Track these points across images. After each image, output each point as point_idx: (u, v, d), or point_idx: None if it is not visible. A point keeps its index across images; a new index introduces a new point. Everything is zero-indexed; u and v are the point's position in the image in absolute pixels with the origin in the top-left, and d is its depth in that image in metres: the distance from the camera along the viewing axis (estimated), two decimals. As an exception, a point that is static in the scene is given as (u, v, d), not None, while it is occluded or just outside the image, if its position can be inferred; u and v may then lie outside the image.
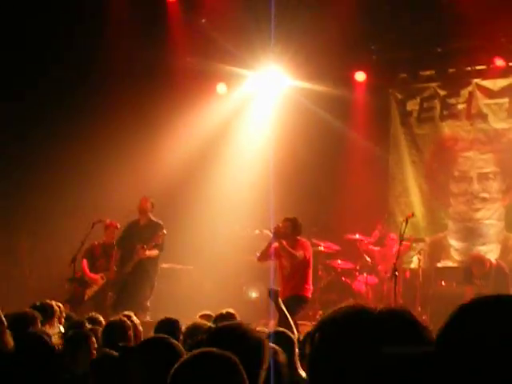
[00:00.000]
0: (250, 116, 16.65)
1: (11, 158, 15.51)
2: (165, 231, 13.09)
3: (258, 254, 12.55)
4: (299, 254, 11.61)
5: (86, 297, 13.14)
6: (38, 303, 8.33)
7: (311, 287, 12.02)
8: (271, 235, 11.99)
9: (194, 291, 15.91)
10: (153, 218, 13.36)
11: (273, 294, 7.61)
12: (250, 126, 16.69)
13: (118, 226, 13.49)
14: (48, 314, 8.03)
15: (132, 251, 12.97)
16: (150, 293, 12.89)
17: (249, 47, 15.77)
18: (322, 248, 14.50)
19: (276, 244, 11.90)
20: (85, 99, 15.54)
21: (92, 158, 15.79)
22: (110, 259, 13.29)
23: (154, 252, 12.98)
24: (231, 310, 7.58)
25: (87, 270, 13.24)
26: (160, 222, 13.26)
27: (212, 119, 16.85)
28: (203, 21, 15.94)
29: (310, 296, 12.07)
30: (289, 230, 11.72)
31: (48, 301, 8.48)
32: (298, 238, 11.90)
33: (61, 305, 8.86)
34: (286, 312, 7.07)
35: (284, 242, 11.64)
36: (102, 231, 13.57)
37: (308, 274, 11.88)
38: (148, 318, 12.13)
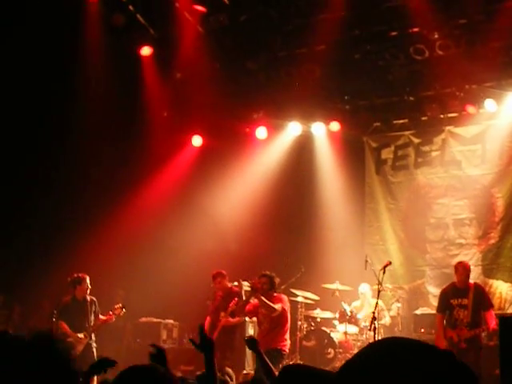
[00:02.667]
0: (227, 168, 16.69)
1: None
2: (236, 299, 13.06)
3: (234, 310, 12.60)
4: (277, 306, 11.63)
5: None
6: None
7: (288, 341, 12.02)
8: (249, 289, 12.01)
9: (173, 345, 15.83)
10: (231, 286, 13.31)
11: (251, 343, 7.53)
12: (227, 179, 16.74)
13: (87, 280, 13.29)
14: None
15: (217, 318, 13.02)
16: (229, 353, 12.84)
17: (223, 100, 15.90)
18: (300, 298, 14.49)
19: (254, 301, 11.92)
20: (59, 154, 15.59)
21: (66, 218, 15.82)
22: (87, 315, 13.16)
23: (237, 319, 12.93)
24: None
25: (71, 332, 13.05)
26: (236, 289, 13.22)
27: (189, 171, 16.91)
28: (178, 75, 16.07)
29: (287, 351, 12.07)
30: (266, 286, 11.74)
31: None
32: (275, 294, 11.92)
33: None
34: (267, 360, 7.02)
35: (263, 297, 11.64)
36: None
37: (285, 328, 11.90)
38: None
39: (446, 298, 12.20)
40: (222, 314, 12.86)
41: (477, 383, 1.60)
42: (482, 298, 12.02)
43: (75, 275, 13.16)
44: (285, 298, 12.11)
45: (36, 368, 2.47)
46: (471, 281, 12.24)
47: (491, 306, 12.15)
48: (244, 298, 12.75)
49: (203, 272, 14.91)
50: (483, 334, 12.41)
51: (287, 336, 11.98)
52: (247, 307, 12.13)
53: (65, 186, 15.97)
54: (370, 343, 1.67)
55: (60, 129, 15.36)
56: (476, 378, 1.60)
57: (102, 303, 13.48)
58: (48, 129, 15.44)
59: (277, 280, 11.95)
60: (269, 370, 6.75)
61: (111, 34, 14.74)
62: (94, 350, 13.13)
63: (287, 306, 11.97)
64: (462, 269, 12.19)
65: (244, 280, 13.65)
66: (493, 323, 11.57)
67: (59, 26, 14.02)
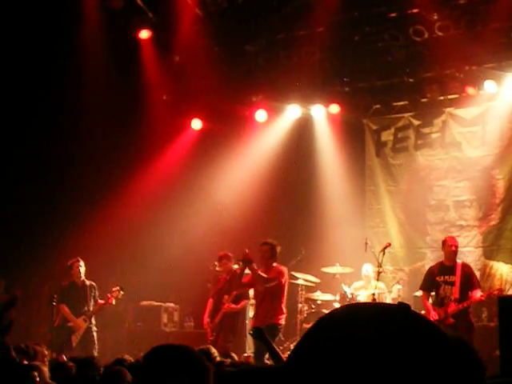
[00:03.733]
0: (227, 151, 16.66)
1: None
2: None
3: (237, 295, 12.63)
4: (273, 277, 11.57)
5: (74, 343, 13.04)
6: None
7: (285, 313, 11.94)
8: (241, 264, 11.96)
9: (174, 328, 15.87)
10: (235, 269, 13.17)
11: (256, 333, 7.44)
12: (227, 162, 16.72)
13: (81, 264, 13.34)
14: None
15: (220, 301, 12.98)
16: (232, 337, 12.84)
17: (223, 83, 15.87)
18: (301, 281, 14.50)
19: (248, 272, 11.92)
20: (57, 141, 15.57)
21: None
22: (87, 299, 13.22)
23: (238, 305, 12.92)
24: (209, 347, 7.54)
25: (72, 316, 13.11)
26: (237, 271, 13.11)
27: (188, 155, 16.91)
28: (177, 58, 16.03)
29: (284, 322, 11.98)
30: (267, 254, 11.70)
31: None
32: (275, 264, 11.85)
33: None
34: (276, 348, 6.95)
35: (254, 266, 11.63)
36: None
37: (281, 300, 11.83)
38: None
39: (431, 276, 11.95)
40: (226, 297, 12.84)
41: (437, 334, 1.51)
42: (470, 278, 11.73)
43: (68, 261, 13.24)
44: (284, 269, 11.97)
45: None
46: (459, 260, 11.97)
47: (479, 286, 11.86)
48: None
49: (203, 255, 14.97)
50: (483, 315, 12.39)
51: (284, 308, 11.90)
52: (244, 279, 12.11)
53: (64, 169, 15.96)
54: (319, 318, 1.60)
55: (58, 112, 15.33)
56: (434, 328, 1.52)
57: (101, 287, 13.53)
58: (45, 112, 15.41)
59: (278, 248, 11.84)
60: (278, 358, 6.69)
61: (109, 17, 14.70)
62: (95, 333, 13.20)
63: (284, 278, 11.87)
64: (450, 241, 11.97)
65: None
66: (477, 296, 11.44)
67: (57, 9, 13.97)
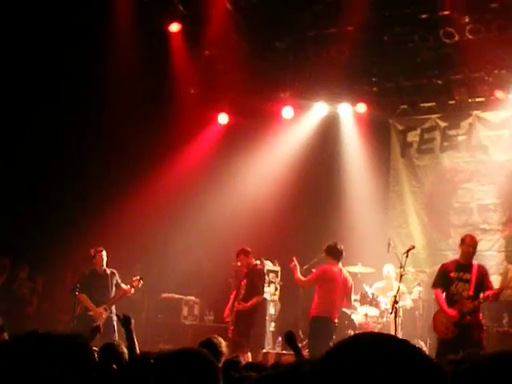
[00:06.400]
0: (253, 147, 16.68)
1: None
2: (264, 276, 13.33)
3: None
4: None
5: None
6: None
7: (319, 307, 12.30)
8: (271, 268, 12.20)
9: (194, 321, 15.93)
10: (255, 264, 13.36)
11: (289, 339, 7.30)
12: (252, 158, 16.74)
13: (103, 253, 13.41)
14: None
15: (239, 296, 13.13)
16: (246, 331, 12.91)
17: (251, 78, 15.90)
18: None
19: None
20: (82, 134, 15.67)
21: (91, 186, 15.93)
22: (108, 287, 13.27)
23: (250, 302, 13.03)
24: (214, 337, 7.41)
25: (91, 305, 13.15)
26: (258, 267, 13.34)
27: (214, 149, 16.95)
28: (206, 53, 16.06)
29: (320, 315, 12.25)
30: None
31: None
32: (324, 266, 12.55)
33: None
34: (302, 352, 6.93)
35: (296, 273, 12.60)
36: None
37: (315, 297, 12.47)
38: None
39: (444, 272, 11.16)
40: (242, 292, 12.92)
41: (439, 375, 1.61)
42: (485, 279, 11.02)
43: (91, 250, 13.31)
44: (317, 270, 12.74)
45: None
46: (474, 261, 11.17)
47: (492, 288, 11.07)
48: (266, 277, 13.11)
49: (226, 250, 14.99)
50: (504, 321, 12.29)
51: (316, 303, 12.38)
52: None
53: (90, 158, 16.06)
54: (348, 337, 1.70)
55: (85, 102, 15.40)
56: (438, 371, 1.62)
57: (122, 277, 13.58)
58: (73, 101, 15.49)
59: (329, 249, 12.74)
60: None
61: (140, 9, 14.75)
62: (115, 322, 13.20)
63: (313, 277, 12.65)
64: (470, 240, 11.15)
65: (266, 259, 13.71)
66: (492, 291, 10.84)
67: (88, 1, 14.06)
